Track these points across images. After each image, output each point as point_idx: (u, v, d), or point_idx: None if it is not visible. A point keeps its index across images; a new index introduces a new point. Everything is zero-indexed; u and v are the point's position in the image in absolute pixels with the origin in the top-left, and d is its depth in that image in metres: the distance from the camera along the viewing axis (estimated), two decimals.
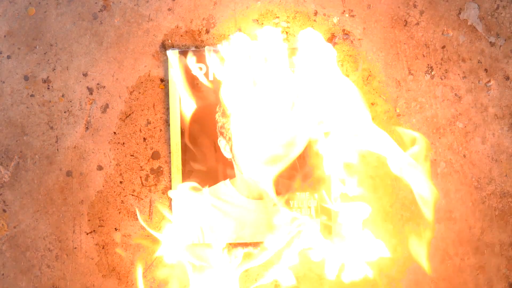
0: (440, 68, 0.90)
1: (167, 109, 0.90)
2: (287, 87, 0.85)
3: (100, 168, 0.90)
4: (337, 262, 0.90)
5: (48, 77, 0.90)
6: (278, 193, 0.89)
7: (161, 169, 0.90)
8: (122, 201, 0.90)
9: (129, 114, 0.91)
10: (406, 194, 0.90)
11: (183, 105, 0.89)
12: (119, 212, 0.90)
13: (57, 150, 0.91)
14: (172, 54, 0.89)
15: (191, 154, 0.89)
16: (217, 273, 0.91)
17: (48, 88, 0.90)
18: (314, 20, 0.90)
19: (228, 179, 0.89)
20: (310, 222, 0.88)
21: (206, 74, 0.89)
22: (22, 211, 0.91)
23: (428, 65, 0.90)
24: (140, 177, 0.90)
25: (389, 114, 0.90)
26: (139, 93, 0.90)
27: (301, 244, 0.90)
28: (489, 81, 0.90)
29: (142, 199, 0.90)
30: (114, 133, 0.91)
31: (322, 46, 0.85)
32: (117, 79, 0.90)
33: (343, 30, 0.90)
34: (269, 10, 0.90)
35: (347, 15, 0.90)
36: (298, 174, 0.89)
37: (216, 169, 0.89)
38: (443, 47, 0.90)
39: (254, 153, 0.87)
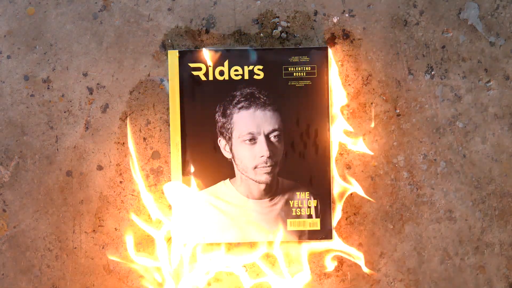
0: (440, 68, 0.90)
1: (167, 109, 0.90)
2: None
3: (100, 168, 0.90)
4: (337, 261, 0.91)
5: (48, 77, 0.90)
6: (278, 193, 0.89)
7: (161, 169, 0.90)
8: (122, 201, 0.90)
9: (129, 114, 0.91)
10: (406, 194, 0.90)
11: (183, 105, 0.89)
12: (119, 212, 0.90)
13: (57, 150, 0.91)
14: (172, 54, 0.89)
15: (191, 154, 0.89)
16: (217, 272, 0.91)
17: (48, 88, 0.90)
18: (314, 20, 0.90)
19: (228, 179, 0.89)
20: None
21: (206, 74, 0.89)
22: (22, 211, 0.91)
23: (428, 65, 0.90)
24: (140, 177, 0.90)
25: (389, 114, 0.90)
26: (139, 93, 0.90)
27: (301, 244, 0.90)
28: (489, 81, 0.90)
29: (142, 199, 0.90)
30: (114, 133, 0.91)
31: None
32: (117, 79, 0.90)
33: (343, 30, 0.90)
34: (269, 10, 0.90)
35: (347, 15, 0.90)
36: (298, 174, 0.89)
37: (216, 169, 0.89)
38: (443, 47, 0.90)
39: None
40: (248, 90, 0.88)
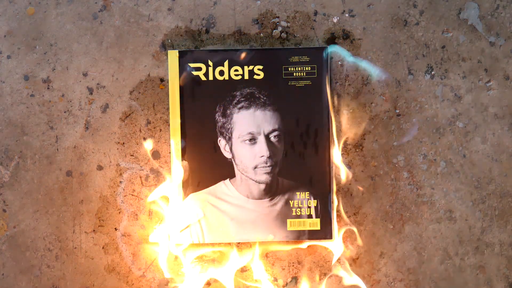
0: (440, 68, 0.90)
1: (167, 109, 0.90)
2: None
3: (100, 168, 0.90)
4: (337, 261, 0.91)
5: (48, 77, 0.90)
6: (278, 193, 0.89)
7: (161, 169, 0.90)
8: (122, 201, 0.90)
9: (129, 114, 0.91)
10: (406, 194, 0.90)
11: (183, 105, 0.89)
12: (119, 212, 0.90)
13: (57, 150, 0.91)
14: (172, 54, 0.89)
15: (191, 154, 0.89)
16: (216, 272, 0.91)
17: (48, 88, 0.90)
18: (314, 20, 0.90)
19: (228, 179, 0.89)
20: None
21: (206, 74, 0.89)
22: (22, 211, 0.91)
23: (428, 65, 0.90)
24: (140, 177, 0.90)
25: (389, 114, 0.90)
26: (139, 93, 0.91)
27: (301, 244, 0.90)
28: (489, 81, 0.90)
29: (142, 199, 0.90)
30: (114, 133, 0.91)
31: None
32: (117, 79, 0.90)
33: (343, 30, 0.90)
34: (269, 10, 0.90)
35: (347, 15, 0.90)
36: (298, 174, 0.89)
37: (216, 169, 0.89)
38: (443, 47, 0.90)
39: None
40: (248, 90, 0.88)
